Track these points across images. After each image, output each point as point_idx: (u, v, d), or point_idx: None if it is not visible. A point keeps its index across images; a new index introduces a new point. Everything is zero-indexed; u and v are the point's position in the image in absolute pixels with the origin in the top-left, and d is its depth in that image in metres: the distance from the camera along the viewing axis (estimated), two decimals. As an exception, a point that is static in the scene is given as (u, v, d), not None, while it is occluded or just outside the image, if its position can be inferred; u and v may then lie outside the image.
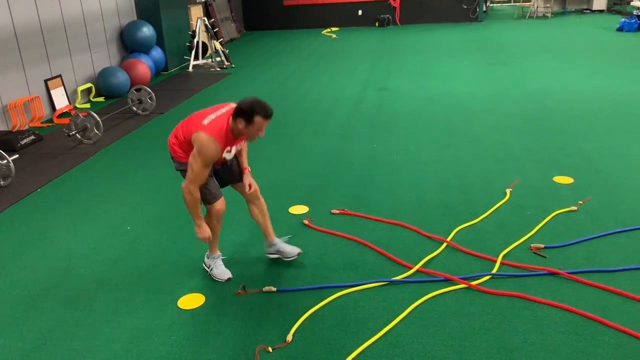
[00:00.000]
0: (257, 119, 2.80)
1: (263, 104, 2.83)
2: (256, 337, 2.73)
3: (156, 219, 4.10)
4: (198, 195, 2.95)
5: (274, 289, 3.11)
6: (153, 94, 7.02)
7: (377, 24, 14.87)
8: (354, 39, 13.02)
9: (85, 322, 2.93)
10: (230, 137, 2.89)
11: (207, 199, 3.10)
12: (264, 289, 3.12)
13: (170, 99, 7.86)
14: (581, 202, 3.95)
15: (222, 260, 3.35)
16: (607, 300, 2.87)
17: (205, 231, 3.04)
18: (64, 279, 3.36)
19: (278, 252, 3.39)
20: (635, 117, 5.85)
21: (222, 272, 3.27)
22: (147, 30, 8.97)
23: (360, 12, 15.01)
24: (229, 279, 3.24)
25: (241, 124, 2.82)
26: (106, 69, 8.17)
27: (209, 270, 3.31)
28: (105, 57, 8.61)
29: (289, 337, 2.70)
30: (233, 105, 2.93)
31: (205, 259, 3.36)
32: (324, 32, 14.52)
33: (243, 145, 3.14)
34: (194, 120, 2.95)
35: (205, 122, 2.87)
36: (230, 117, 2.87)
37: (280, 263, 3.39)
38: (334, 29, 14.98)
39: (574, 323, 2.72)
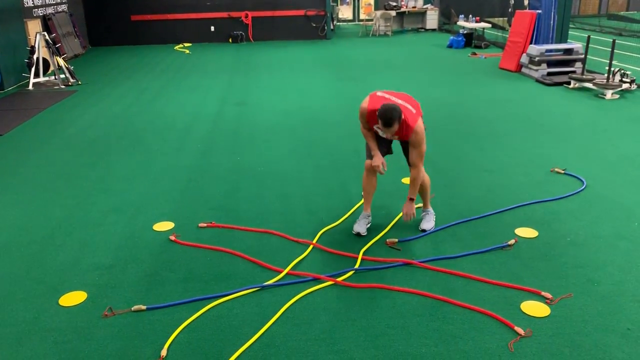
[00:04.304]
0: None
1: (383, 111, 3.37)
2: (128, 357, 2.66)
3: (4, 247, 3.76)
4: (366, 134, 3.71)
5: (143, 307, 3.04)
6: (-11, 115, 6.40)
7: (230, 40, 14.99)
8: (209, 54, 13.00)
9: None
10: (373, 119, 3.55)
11: (366, 154, 3.81)
12: (132, 309, 3.03)
13: (10, 119, 7.21)
14: (427, 199, 4.40)
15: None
16: (453, 283, 3.25)
17: (377, 159, 3.64)
18: None
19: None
20: (464, 122, 6.63)
21: (356, 225, 3.82)
22: (-24, 45, 8.15)
23: (212, 28, 15.03)
24: (358, 234, 3.79)
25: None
26: None
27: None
28: None
29: (164, 352, 2.67)
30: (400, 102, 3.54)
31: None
32: (176, 47, 14.28)
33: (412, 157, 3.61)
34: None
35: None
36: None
37: (149, 281, 3.32)
38: (187, 44, 14.80)
39: (428, 306, 3.04)
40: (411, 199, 3.71)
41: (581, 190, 4.49)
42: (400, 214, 3.99)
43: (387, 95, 3.57)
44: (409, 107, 3.51)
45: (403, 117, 3.41)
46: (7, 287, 3.29)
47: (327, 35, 15.26)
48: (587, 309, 2.96)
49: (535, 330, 2.79)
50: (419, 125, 3.50)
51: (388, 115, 3.33)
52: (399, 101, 3.52)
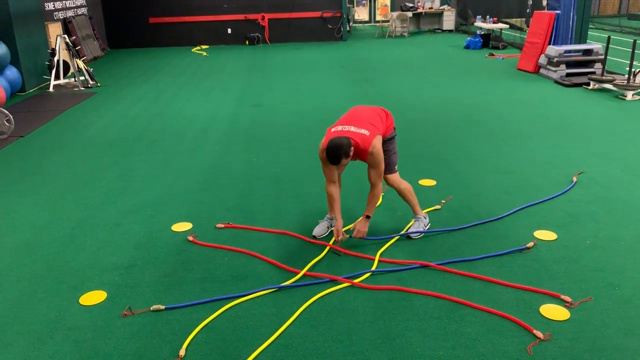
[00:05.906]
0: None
1: (328, 150, 3.39)
2: (147, 357, 2.69)
3: (26, 247, 3.83)
4: (328, 190, 3.67)
5: (162, 307, 3.07)
6: (11, 117, 6.51)
7: (247, 42, 15.07)
8: (225, 56, 13.08)
9: (-50, 364, 2.67)
10: None
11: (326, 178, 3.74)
12: (151, 308, 3.07)
13: (31, 121, 7.33)
14: (444, 201, 4.38)
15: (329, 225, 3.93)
16: (471, 285, 3.23)
17: (336, 232, 3.64)
18: None
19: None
20: (482, 124, 6.59)
21: (317, 228, 3.87)
22: (-1, 48, 8.29)
23: (229, 30, 15.12)
24: (313, 236, 3.83)
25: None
26: (-48, 90, 7.41)
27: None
28: (-50, 77, 7.81)
29: (182, 352, 2.70)
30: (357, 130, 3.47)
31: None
32: (194, 49, 14.39)
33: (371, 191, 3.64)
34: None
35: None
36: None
37: (168, 281, 3.35)
38: (204, 46, 14.91)
39: (445, 308, 3.02)
40: (367, 217, 3.67)
41: (570, 188, 4.46)
42: (411, 223, 3.94)
43: (340, 128, 3.49)
44: (362, 131, 3.43)
45: (354, 144, 3.39)
46: (28, 286, 3.35)
47: (343, 37, 15.26)
48: (608, 312, 2.92)
49: (555, 333, 2.76)
50: (374, 146, 3.42)
51: (334, 153, 3.35)
52: (352, 129, 3.44)
